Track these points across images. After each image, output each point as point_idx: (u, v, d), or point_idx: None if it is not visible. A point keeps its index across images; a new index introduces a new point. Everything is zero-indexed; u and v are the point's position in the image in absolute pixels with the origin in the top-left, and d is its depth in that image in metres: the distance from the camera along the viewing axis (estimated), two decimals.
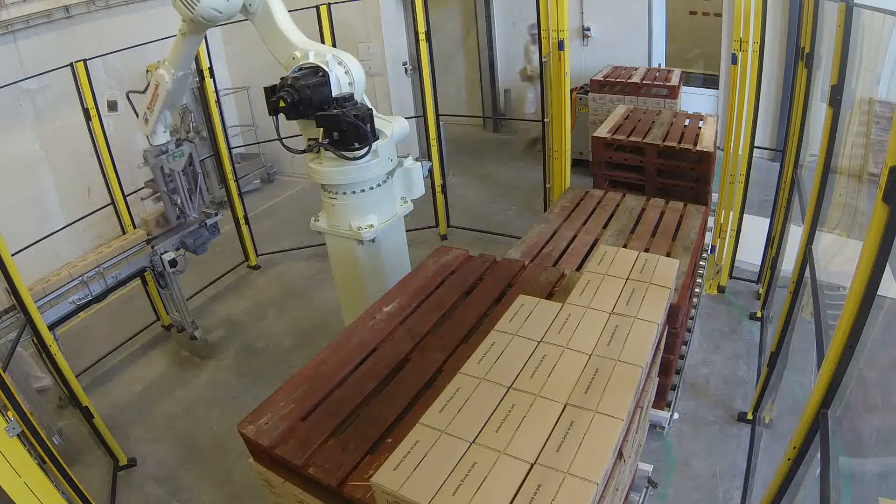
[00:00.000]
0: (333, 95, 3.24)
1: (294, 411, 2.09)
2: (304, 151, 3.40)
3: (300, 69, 3.25)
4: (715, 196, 4.97)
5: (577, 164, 6.83)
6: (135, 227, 4.90)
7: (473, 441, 1.69)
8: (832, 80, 2.64)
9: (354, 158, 3.26)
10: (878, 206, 1.59)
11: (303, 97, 3.12)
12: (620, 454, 1.86)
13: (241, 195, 6.08)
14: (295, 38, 3.33)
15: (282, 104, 3.13)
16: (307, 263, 6.27)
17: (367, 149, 3.25)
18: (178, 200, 4.49)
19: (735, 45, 4.28)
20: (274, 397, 2.16)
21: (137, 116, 4.18)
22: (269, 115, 3.24)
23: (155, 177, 4.32)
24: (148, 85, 3.97)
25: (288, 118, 3.24)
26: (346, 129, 3.15)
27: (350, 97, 3.23)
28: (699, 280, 4.46)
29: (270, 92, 3.22)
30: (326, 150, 3.25)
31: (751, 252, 5.01)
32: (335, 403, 2.14)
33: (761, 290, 4.87)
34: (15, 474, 1.94)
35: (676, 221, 3.86)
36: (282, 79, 3.20)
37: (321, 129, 3.24)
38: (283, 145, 3.35)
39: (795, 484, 2.17)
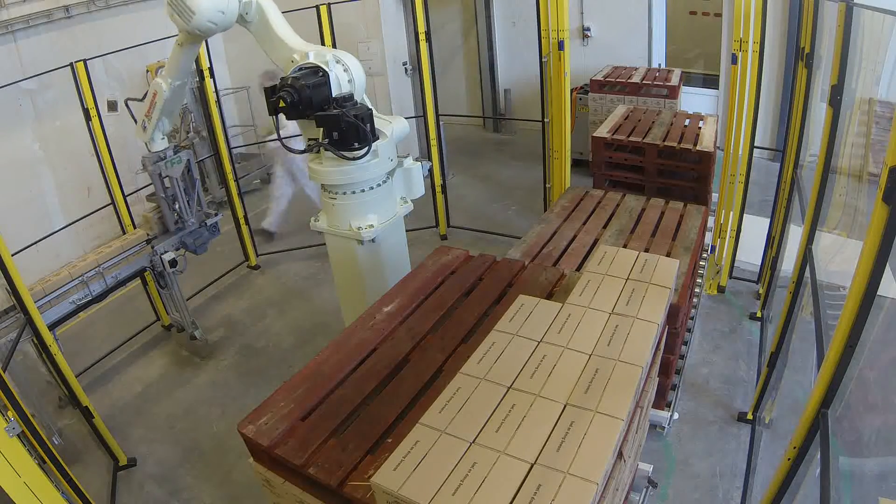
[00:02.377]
0: (333, 95, 3.24)
1: (294, 411, 2.09)
2: (304, 151, 3.40)
3: (300, 69, 3.25)
4: (715, 196, 4.97)
5: (577, 164, 6.83)
6: (135, 227, 4.90)
7: (473, 441, 1.69)
8: (832, 80, 2.64)
9: (354, 158, 3.26)
10: (878, 206, 1.59)
11: (303, 97, 3.12)
12: (620, 454, 1.86)
13: (241, 195, 6.08)
14: (293, 42, 3.33)
15: (282, 104, 3.13)
16: (307, 263, 6.27)
17: (366, 149, 3.25)
18: (177, 206, 4.51)
19: (735, 45, 4.28)
20: (274, 397, 2.16)
21: (136, 123, 4.20)
22: (269, 115, 3.24)
23: (153, 183, 4.36)
24: (146, 93, 3.99)
25: (288, 118, 3.24)
26: (346, 128, 3.15)
27: (350, 97, 3.23)
28: (699, 280, 4.46)
29: (270, 92, 3.22)
30: (326, 150, 3.25)
31: (751, 252, 5.01)
32: (335, 403, 2.14)
33: (761, 290, 4.87)
34: (15, 474, 1.94)
35: (676, 221, 3.86)
36: (282, 79, 3.20)
37: (321, 129, 3.24)
38: (284, 146, 3.35)
39: (795, 484, 2.17)
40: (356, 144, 3.20)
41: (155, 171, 4.28)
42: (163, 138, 4.27)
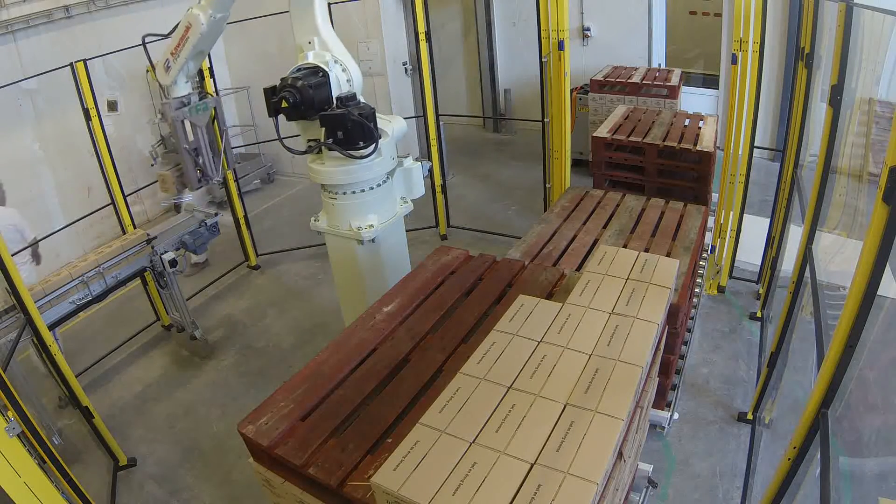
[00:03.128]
0: (334, 95, 3.24)
1: (294, 411, 2.09)
2: (306, 152, 3.39)
3: (299, 70, 3.25)
4: (715, 196, 4.97)
5: (577, 164, 6.83)
6: (135, 227, 4.90)
7: (473, 441, 1.69)
8: (832, 80, 2.64)
9: (361, 157, 3.26)
10: (878, 206, 1.59)
11: (305, 97, 3.12)
12: (620, 454, 1.86)
13: (241, 195, 6.08)
14: (321, 21, 3.27)
15: (284, 104, 3.13)
16: (307, 263, 6.27)
17: (373, 146, 3.25)
18: (201, 161, 3.98)
19: (735, 45, 4.28)
20: (274, 397, 2.17)
21: (152, 67, 3.69)
22: (269, 116, 3.23)
23: (175, 132, 3.81)
24: (174, 28, 3.50)
25: (289, 119, 3.23)
26: (352, 127, 3.15)
27: (353, 96, 3.24)
28: (699, 280, 4.46)
29: (271, 93, 3.21)
30: (332, 149, 3.24)
31: (751, 252, 5.01)
32: (335, 403, 2.14)
33: (761, 290, 4.87)
34: (15, 474, 1.94)
35: (676, 221, 3.86)
36: (282, 79, 3.20)
37: (322, 129, 3.24)
38: (284, 146, 3.35)
39: (795, 484, 2.17)
40: (361, 143, 3.21)
41: (179, 118, 3.72)
42: (186, 82, 3.75)
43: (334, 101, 3.26)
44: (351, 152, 3.22)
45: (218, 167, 4.06)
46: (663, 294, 2.32)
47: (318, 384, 2.22)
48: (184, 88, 3.72)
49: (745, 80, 4.29)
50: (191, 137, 3.84)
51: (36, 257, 4.65)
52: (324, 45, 3.26)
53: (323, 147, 3.28)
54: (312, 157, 3.46)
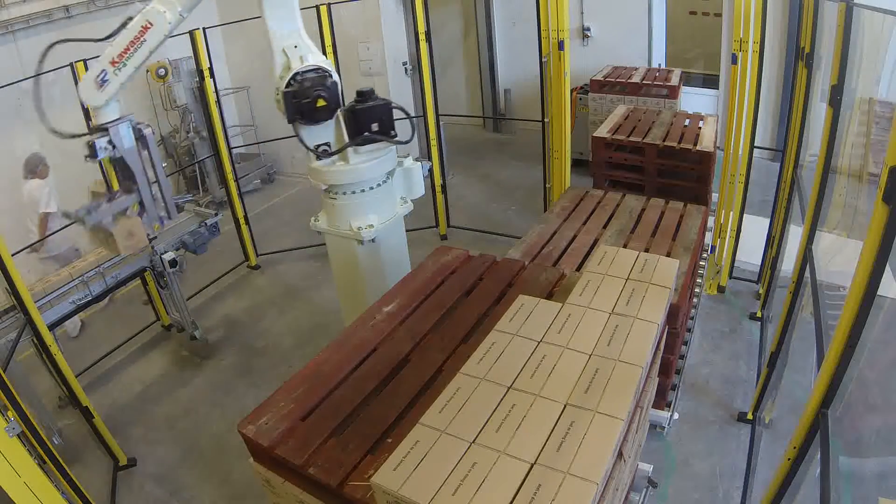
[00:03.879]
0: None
1: (294, 411, 2.09)
2: (339, 151, 3.29)
3: (301, 73, 3.19)
4: (715, 196, 4.97)
5: (577, 164, 6.83)
6: None
7: (473, 441, 1.69)
8: (832, 80, 2.64)
9: (406, 142, 3.37)
10: (878, 206, 1.59)
11: (333, 96, 3.12)
12: (620, 454, 1.86)
13: (241, 195, 6.08)
14: (301, 26, 3.19)
15: (321, 103, 3.08)
16: (307, 263, 6.27)
17: (412, 129, 3.40)
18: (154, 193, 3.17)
19: (735, 45, 4.28)
20: (274, 397, 2.17)
21: (36, 101, 2.80)
22: (289, 122, 3.14)
23: (149, 157, 2.99)
24: (117, 30, 2.76)
25: (309, 122, 3.17)
26: (386, 117, 3.21)
27: (373, 91, 3.27)
28: (699, 280, 4.46)
29: (291, 96, 3.07)
30: (377, 141, 3.26)
31: (751, 252, 5.02)
32: (335, 403, 2.14)
33: (761, 290, 4.87)
34: (15, 474, 1.94)
35: (676, 221, 3.86)
36: (293, 82, 3.10)
37: (344, 127, 3.24)
38: (308, 148, 3.27)
39: (795, 484, 2.17)
40: (393, 132, 3.28)
41: (147, 137, 2.88)
42: (118, 101, 2.84)
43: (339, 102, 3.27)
44: (398, 139, 3.32)
45: (171, 204, 3.23)
46: (663, 294, 2.32)
47: (318, 384, 2.22)
48: (114, 111, 2.83)
49: (745, 80, 4.30)
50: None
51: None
52: (308, 48, 3.21)
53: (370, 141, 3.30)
54: (313, 158, 3.44)
